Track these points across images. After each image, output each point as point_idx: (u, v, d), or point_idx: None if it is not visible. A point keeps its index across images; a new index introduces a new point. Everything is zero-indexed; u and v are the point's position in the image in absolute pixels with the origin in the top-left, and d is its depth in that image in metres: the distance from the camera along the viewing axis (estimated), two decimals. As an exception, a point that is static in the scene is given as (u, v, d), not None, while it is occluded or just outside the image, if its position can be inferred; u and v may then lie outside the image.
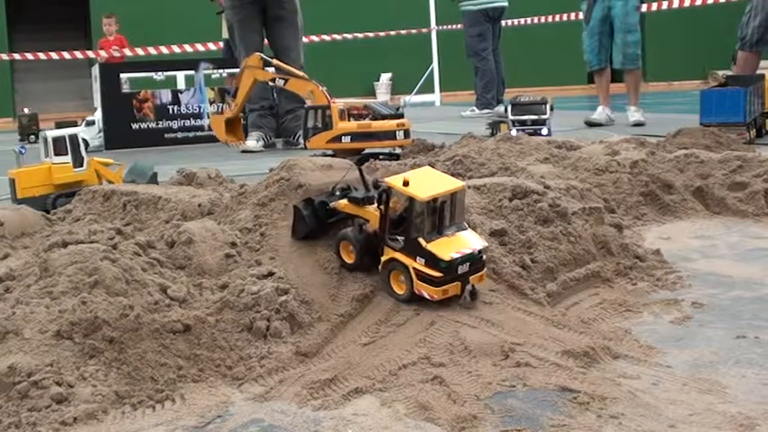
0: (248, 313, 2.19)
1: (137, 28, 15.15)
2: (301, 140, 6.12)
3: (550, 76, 21.21)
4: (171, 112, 9.57)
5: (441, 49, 13.84)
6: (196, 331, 2.10)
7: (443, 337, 2.15)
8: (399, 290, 2.33)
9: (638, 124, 8.19)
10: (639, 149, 4.43)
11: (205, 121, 9.35)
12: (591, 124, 8.44)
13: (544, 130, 6.24)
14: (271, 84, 5.35)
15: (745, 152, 4.35)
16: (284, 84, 5.22)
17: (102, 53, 12.36)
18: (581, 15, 9.24)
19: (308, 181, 2.67)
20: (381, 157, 5.33)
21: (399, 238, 2.32)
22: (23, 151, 4.46)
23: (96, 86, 9.86)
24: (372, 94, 20.71)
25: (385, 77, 21.27)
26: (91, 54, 13.09)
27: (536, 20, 15.36)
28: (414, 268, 2.27)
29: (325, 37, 15.27)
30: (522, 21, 15.08)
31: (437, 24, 13.71)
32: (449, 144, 5.41)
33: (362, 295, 2.33)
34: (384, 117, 5.59)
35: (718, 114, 5.79)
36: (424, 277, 2.26)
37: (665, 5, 11.13)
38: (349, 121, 5.52)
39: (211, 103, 9.59)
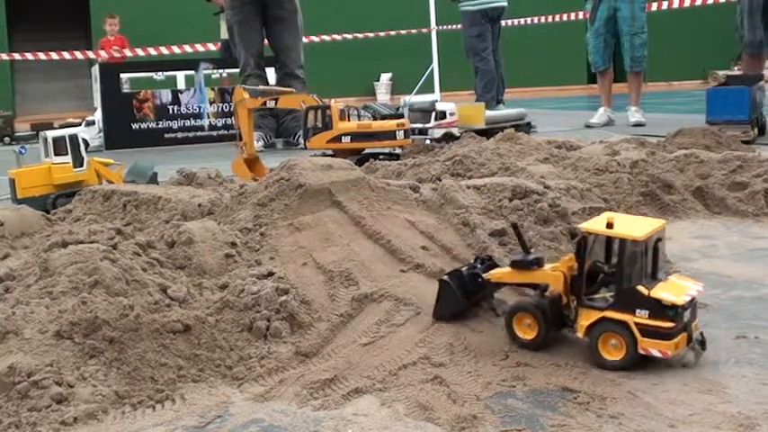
0: (248, 313, 2.19)
1: (137, 28, 15.13)
2: (301, 140, 6.13)
3: (550, 76, 21.21)
4: (171, 112, 9.57)
5: (441, 49, 13.82)
6: (196, 331, 2.10)
7: (443, 337, 2.15)
8: (614, 355, 1.99)
9: (638, 124, 8.19)
10: (639, 149, 4.43)
11: (205, 122, 9.36)
12: (592, 127, 8.43)
13: (428, 140, 6.21)
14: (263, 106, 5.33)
15: (745, 152, 4.36)
16: (276, 104, 5.20)
17: (103, 53, 12.35)
18: (581, 15, 9.24)
19: (308, 181, 2.67)
20: (381, 157, 5.34)
21: (604, 294, 2.03)
22: (23, 151, 4.46)
23: (96, 86, 9.85)
24: (372, 94, 20.70)
25: (385, 77, 21.26)
26: (91, 54, 13.08)
27: (536, 20, 15.35)
28: (636, 323, 1.95)
29: (325, 37, 15.25)
30: (522, 21, 15.06)
31: (437, 24, 13.69)
32: (449, 144, 5.41)
33: (362, 295, 2.33)
34: (384, 117, 5.61)
35: (724, 112, 5.85)
36: (651, 332, 1.94)
37: (665, 5, 11.12)
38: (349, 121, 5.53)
39: (211, 103, 9.59)
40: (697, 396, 1.85)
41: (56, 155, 4.28)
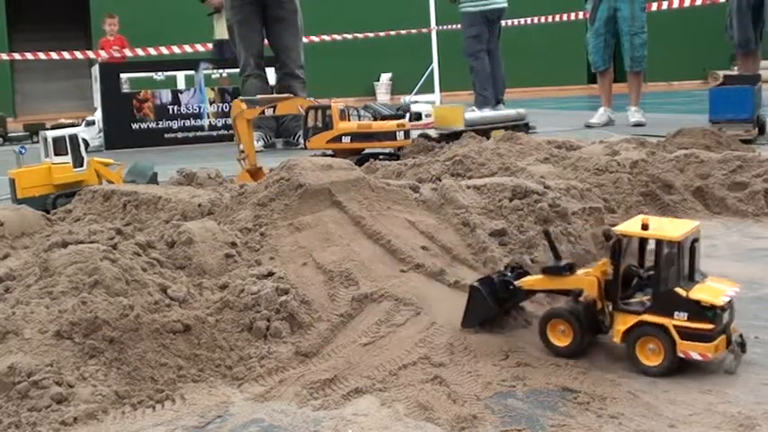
0: (248, 313, 2.19)
1: (137, 28, 15.13)
2: (301, 140, 6.12)
3: (550, 76, 21.22)
4: (171, 112, 9.57)
5: (441, 49, 13.83)
6: (196, 331, 2.10)
7: (443, 337, 2.15)
8: (653, 360, 1.96)
9: (638, 124, 8.19)
10: (639, 149, 4.43)
11: (205, 122, 9.36)
12: (592, 127, 8.44)
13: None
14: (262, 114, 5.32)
15: (745, 152, 4.36)
16: (274, 111, 5.20)
17: (103, 53, 12.36)
18: (581, 15, 9.25)
19: (308, 181, 2.67)
20: (381, 157, 5.34)
21: (640, 298, 2.00)
22: (23, 151, 4.46)
23: (96, 86, 9.85)
24: (372, 94, 20.71)
25: (385, 77, 21.27)
26: (91, 54, 13.09)
27: (536, 20, 15.35)
28: (675, 326, 1.92)
29: (325, 37, 15.26)
30: (522, 21, 15.07)
31: (437, 24, 13.70)
32: (449, 144, 5.41)
33: (362, 295, 2.33)
34: (384, 117, 5.62)
35: (727, 111, 5.89)
36: (690, 334, 1.91)
37: (665, 5, 11.12)
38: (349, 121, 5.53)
39: (211, 103, 9.58)
40: (697, 396, 1.85)
41: (56, 155, 4.28)
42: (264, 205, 2.67)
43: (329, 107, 5.43)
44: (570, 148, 4.86)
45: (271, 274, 2.34)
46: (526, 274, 2.25)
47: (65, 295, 2.10)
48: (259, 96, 5.63)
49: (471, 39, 9.27)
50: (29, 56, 13.17)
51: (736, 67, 12.30)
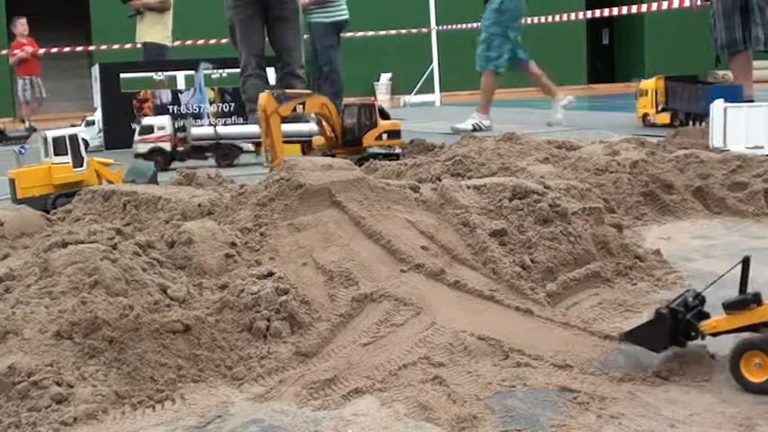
0: (248, 313, 2.19)
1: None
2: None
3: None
4: (171, 112, 9.57)
5: (441, 49, 13.84)
6: (196, 331, 2.10)
7: (443, 337, 2.15)
8: None
9: (476, 129, 8.28)
10: (639, 149, 4.44)
11: (205, 121, 9.35)
12: (459, 133, 8.30)
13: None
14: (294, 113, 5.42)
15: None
16: (303, 108, 5.28)
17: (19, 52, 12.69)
18: (581, 15, 9.24)
19: (308, 181, 2.67)
20: (381, 156, 5.35)
21: None
22: (23, 151, 4.46)
23: (96, 86, 9.85)
24: (372, 94, 20.72)
25: (385, 77, 21.28)
26: (90, 48, 13.18)
27: (536, 20, 15.37)
28: None
29: (325, 37, 15.27)
30: (522, 21, 15.09)
31: (437, 24, 13.71)
32: (449, 144, 5.41)
33: (362, 295, 2.33)
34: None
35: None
36: None
37: (665, 5, 11.12)
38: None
39: (211, 103, 9.58)
40: (697, 396, 1.85)
41: (56, 155, 4.28)
42: (264, 205, 2.67)
43: (373, 105, 5.64)
44: (570, 148, 4.86)
45: (271, 274, 2.34)
46: (704, 302, 2.08)
47: (65, 295, 2.10)
48: (288, 91, 5.69)
49: (328, 48, 9.59)
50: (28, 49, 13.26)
51: (716, 71, 12.37)
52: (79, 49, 13.70)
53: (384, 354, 2.09)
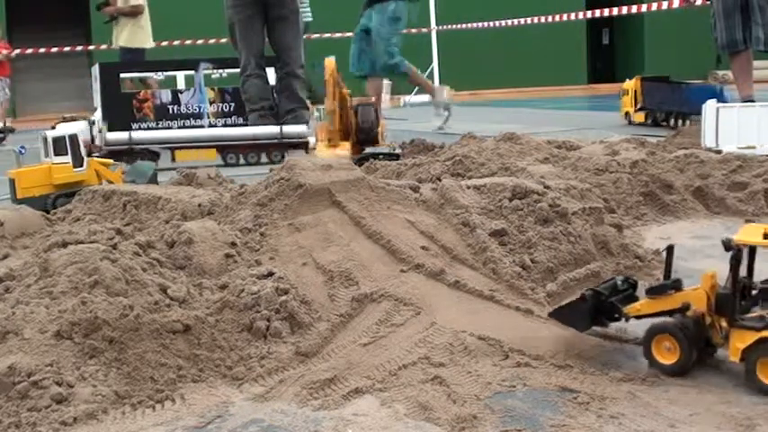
0: (248, 313, 2.19)
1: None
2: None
3: (550, 76, 21.22)
4: (171, 112, 9.56)
5: (441, 49, 13.84)
6: (196, 331, 2.10)
7: (443, 337, 2.15)
8: None
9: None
10: (639, 149, 4.44)
11: (205, 122, 9.35)
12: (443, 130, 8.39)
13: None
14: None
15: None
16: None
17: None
18: (581, 15, 9.24)
19: (308, 181, 2.67)
20: (381, 157, 5.35)
21: (760, 313, 1.87)
22: (23, 151, 4.45)
23: (96, 86, 9.85)
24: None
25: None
26: (91, 47, 13.21)
27: (536, 20, 15.37)
28: None
29: (325, 35, 15.27)
30: (522, 21, 15.09)
31: (437, 24, 13.72)
32: (449, 144, 5.41)
33: (362, 295, 2.33)
34: None
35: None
36: None
37: (665, 5, 11.12)
38: None
39: (211, 103, 9.58)
40: (697, 396, 1.85)
41: (56, 155, 4.28)
42: (264, 205, 2.67)
43: (377, 105, 5.83)
44: (570, 148, 4.87)
45: (271, 274, 2.34)
46: (636, 287, 2.15)
47: (65, 295, 2.10)
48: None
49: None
50: (28, 51, 13.29)
51: (717, 71, 12.40)
52: (79, 48, 13.67)
53: (384, 354, 2.09)
